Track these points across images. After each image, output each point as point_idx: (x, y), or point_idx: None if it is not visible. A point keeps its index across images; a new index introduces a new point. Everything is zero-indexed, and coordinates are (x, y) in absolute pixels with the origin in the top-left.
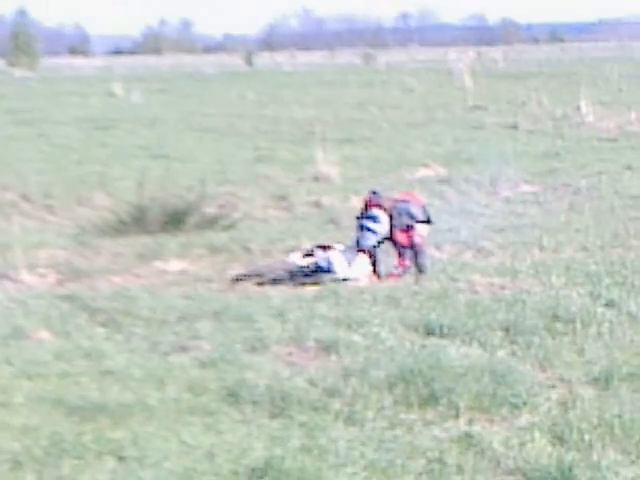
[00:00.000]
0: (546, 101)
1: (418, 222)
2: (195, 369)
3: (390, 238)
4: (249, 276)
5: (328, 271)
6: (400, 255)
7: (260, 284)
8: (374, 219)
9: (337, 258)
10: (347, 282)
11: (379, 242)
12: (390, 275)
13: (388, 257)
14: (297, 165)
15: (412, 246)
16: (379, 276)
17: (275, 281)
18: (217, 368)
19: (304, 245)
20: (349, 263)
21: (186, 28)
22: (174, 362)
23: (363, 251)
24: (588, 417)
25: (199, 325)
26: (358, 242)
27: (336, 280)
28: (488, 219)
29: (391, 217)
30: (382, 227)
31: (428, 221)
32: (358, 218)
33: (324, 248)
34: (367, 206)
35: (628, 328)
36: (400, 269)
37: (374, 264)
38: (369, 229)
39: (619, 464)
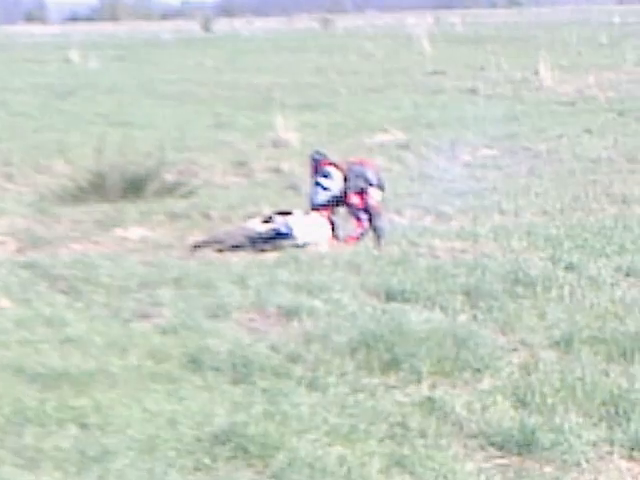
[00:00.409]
0: (505, 65)
1: (372, 186)
2: (157, 336)
3: (344, 200)
4: (209, 243)
5: (287, 236)
6: (357, 218)
7: (220, 250)
8: (327, 176)
9: (296, 223)
10: (307, 247)
11: (331, 201)
12: (349, 238)
13: (346, 222)
14: (256, 131)
15: (367, 209)
16: (338, 239)
17: (235, 247)
18: (179, 335)
19: (264, 211)
20: (308, 227)
21: None
22: (135, 329)
23: (317, 210)
24: (550, 380)
25: (160, 292)
26: (310, 200)
27: (296, 245)
28: (448, 183)
29: (345, 179)
30: (335, 185)
31: (382, 188)
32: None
33: (283, 214)
34: (319, 165)
35: (589, 291)
36: (358, 230)
37: (332, 228)
38: (321, 185)
39: (581, 427)
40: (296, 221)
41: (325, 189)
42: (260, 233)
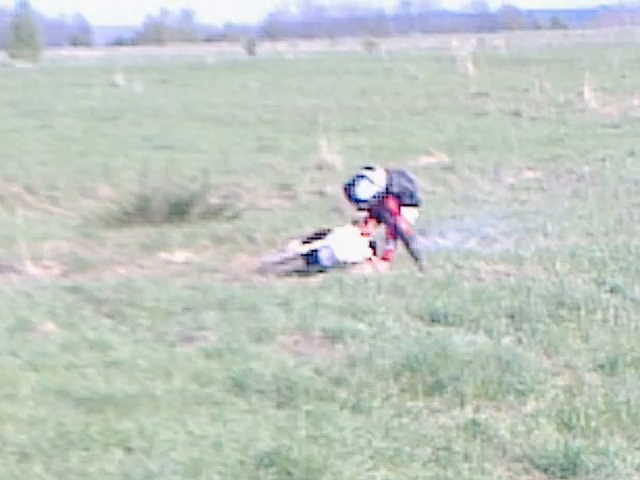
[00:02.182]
0: (549, 87)
1: (413, 197)
2: (201, 359)
3: (383, 202)
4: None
5: (329, 263)
6: (389, 227)
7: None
8: (372, 169)
9: (337, 244)
10: (351, 269)
11: (375, 197)
12: (387, 253)
13: (382, 240)
14: (300, 154)
15: (401, 235)
16: (379, 258)
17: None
18: (223, 358)
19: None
20: (348, 245)
21: (187, 18)
22: (180, 353)
23: (358, 205)
24: (594, 403)
25: (204, 315)
26: (353, 197)
27: (337, 265)
28: (492, 206)
29: (390, 178)
30: (380, 179)
31: (419, 201)
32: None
33: (322, 234)
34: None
35: (633, 314)
36: (392, 242)
37: (371, 245)
38: (367, 178)
39: (626, 450)
40: (337, 241)
41: (371, 182)
42: (302, 256)
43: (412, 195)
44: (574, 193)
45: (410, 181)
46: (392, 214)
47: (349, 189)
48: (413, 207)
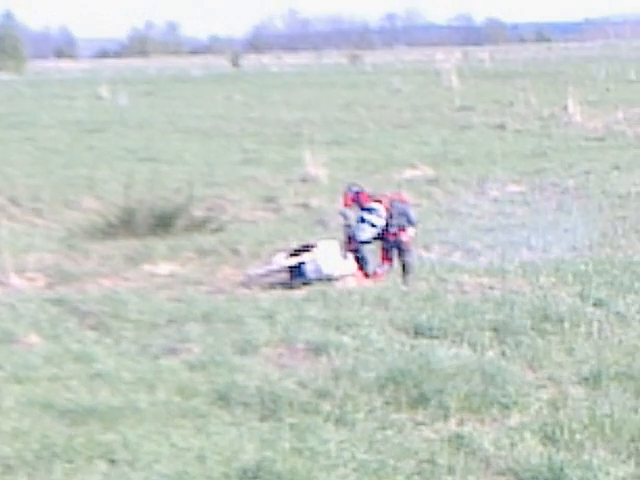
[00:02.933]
0: (533, 101)
1: (411, 224)
2: (185, 372)
3: (383, 237)
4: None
5: (314, 276)
6: (386, 252)
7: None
8: (375, 212)
9: (323, 258)
10: (335, 282)
11: (375, 238)
12: (375, 274)
13: (374, 256)
14: (285, 167)
15: (399, 245)
16: (367, 275)
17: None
18: (207, 371)
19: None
20: (334, 260)
21: (172, 30)
22: (164, 365)
23: (353, 247)
24: (578, 417)
25: (188, 328)
26: (353, 235)
27: (321, 279)
28: (476, 219)
29: (390, 216)
30: (381, 221)
31: (415, 225)
32: (343, 214)
33: (308, 247)
34: (359, 199)
35: (617, 327)
36: (385, 266)
37: (361, 262)
38: (369, 222)
39: (610, 463)
40: (323, 255)
41: (373, 226)
42: (287, 268)
43: (409, 220)
44: (558, 206)
45: (408, 216)
46: (390, 243)
47: (350, 231)
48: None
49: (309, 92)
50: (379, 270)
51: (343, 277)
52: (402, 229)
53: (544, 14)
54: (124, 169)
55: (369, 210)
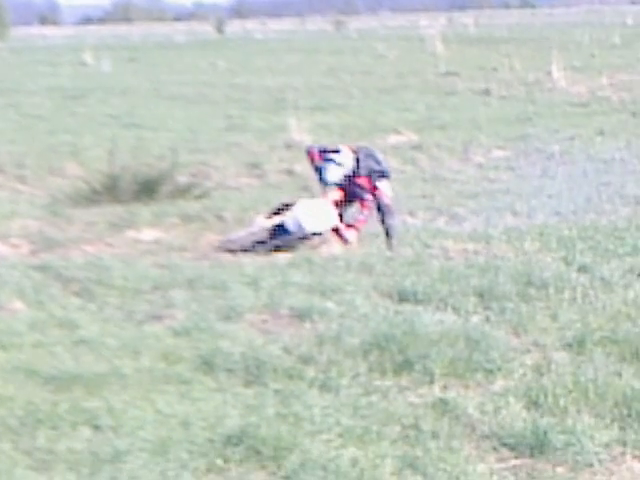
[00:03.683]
0: (518, 66)
1: (382, 173)
2: (169, 338)
3: (353, 181)
4: (230, 244)
5: (296, 232)
6: (361, 200)
7: (232, 251)
8: (339, 153)
9: (303, 213)
10: (319, 243)
11: (344, 180)
12: (357, 222)
13: (351, 207)
14: (269, 133)
15: (379, 206)
16: (349, 225)
17: (252, 248)
18: (191, 337)
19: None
20: (315, 216)
21: None
22: (148, 331)
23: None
24: (562, 382)
25: (173, 294)
26: (322, 179)
27: (304, 237)
28: (461, 185)
29: (357, 160)
30: (348, 161)
31: (388, 175)
32: (317, 168)
33: (288, 206)
34: (323, 152)
35: (601, 293)
36: (365, 212)
37: (340, 214)
38: (333, 161)
39: (594, 428)
40: (303, 211)
41: (338, 165)
42: (269, 229)
43: (381, 171)
44: (543, 172)
45: (377, 160)
46: (368, 190)
47: (319, 173)
48: (384, 179)
49: (293, 58)
50: (361, 217)
51: (326, 231)
52: (370, 175)
53: None
54: (108, 135)
55: (335, 151)
